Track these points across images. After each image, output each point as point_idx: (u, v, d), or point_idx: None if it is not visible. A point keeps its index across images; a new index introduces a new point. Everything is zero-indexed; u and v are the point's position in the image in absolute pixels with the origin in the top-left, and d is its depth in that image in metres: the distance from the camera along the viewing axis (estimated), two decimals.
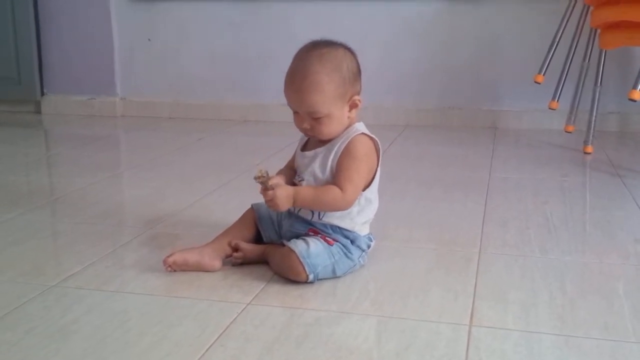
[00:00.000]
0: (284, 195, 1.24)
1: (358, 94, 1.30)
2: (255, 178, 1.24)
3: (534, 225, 1.64)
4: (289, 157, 1.44)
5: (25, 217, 1.70)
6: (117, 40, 3.25)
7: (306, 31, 3.02)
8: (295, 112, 1.29)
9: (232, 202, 1.78)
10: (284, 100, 1.30)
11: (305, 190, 1.28)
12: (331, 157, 1.29)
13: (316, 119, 1.27)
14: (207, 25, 3.16)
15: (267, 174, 1.24)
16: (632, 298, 1.22)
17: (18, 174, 2.22)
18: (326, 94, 1.25)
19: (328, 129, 1.28)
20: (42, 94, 3.34)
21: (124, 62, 3.28)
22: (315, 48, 1.28)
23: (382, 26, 2.96)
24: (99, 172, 2.17)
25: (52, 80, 3.33)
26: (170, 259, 1.30)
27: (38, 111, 3.36)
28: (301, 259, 1.23)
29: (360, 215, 1.32)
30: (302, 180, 1.32)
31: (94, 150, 2.57)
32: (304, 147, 1.36)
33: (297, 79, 1.26)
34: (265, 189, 1.25)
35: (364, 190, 1.30)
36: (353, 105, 1.30)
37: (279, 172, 1.37)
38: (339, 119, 1.28)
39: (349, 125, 1.31)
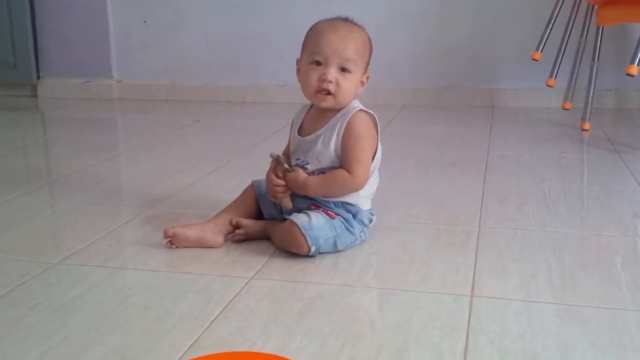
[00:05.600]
0: (301, 177, 1.29)
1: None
2: (271, 155, 1.30)
3: (532, 200, 1.65)
4: (286, 138, 1.44)
5: (24, 198, 1.71)
6: (113, 23, 3.23)
7: (303, 11, 3.05)
8: (320, 65, 1.28)
9: (231, 182, 1.79)
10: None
11: (314, 179, 1.30)
12: (334, 138, 1.29)
13: (344, 72, 1.27)
14: (203, 6, 3.14)
15: (281, 158, 1.30)
16: (630, 269, 1.23)
17: (16, 157, 2.22)
18: (363, 51, 1.30)
19: (349, 86, 1.28)
20: (38, 77, 3.33)
21: (119, 44, 3.26)
22: (346, 20, 1.32)
23: (378, 5, 2.95)
24: (97, 154, 2.17)
25: (47, 64, 3.32)
26: (171, 231, 1.31)
27: (34, 95, 3.35)
28: (303, 231, 1.24)
29: (364, 188, 1.32)
30: (307, 164, 1.32)
31: (91, 133, 2.57)
32: (301, 132, 1.36)
33: (341, 28, 1.29)
34: (285, 170, 1.29)
35: None
36: (363, 81, 1.32)
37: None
38: (356, 83, 1.30)
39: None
